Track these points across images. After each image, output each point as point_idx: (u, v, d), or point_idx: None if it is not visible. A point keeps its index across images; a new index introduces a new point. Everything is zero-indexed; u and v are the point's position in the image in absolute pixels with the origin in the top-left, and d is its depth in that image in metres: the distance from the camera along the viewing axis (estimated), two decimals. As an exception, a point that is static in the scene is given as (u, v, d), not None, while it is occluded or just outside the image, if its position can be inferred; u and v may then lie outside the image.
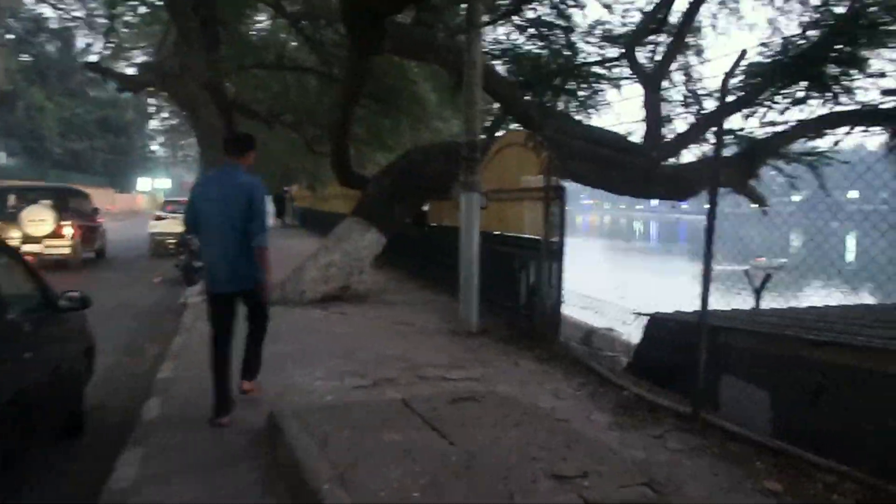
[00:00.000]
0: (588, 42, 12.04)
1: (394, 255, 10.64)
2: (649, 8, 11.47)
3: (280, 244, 17.58)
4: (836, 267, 5.55)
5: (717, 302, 5.95)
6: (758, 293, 7.73)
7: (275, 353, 5.70)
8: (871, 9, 8.84)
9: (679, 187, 10.68)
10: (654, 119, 10.51)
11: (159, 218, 18.18)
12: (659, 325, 6.05)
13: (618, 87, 12.14)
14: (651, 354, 6.11)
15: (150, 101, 34.54)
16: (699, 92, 11.40)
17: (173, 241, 15.51)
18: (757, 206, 10.90)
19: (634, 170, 9.59)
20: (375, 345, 6.10)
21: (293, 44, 17.43)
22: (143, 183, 64.05)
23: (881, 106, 9.14)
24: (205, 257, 4.27)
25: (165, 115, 37.05)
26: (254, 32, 17.19)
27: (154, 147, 66.96)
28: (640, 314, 6.19)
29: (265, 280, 4.29)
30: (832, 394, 4.23)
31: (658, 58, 11.38)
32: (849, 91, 9.24)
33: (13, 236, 12.03)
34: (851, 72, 9.16)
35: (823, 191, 10.06)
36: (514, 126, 10.86)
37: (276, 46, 16.02)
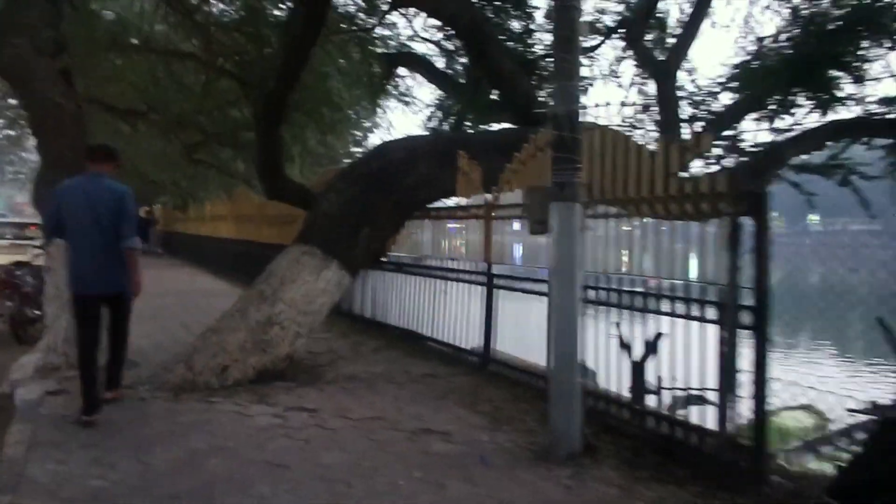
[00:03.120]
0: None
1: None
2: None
3: (159, 282, 13.48)
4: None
5: None
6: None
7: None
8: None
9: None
10: (671, 117, 8.35)
11: (-24, 246, 13.57)
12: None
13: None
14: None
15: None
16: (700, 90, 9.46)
17: (-2, 277, 11.33)
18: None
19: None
20: (422, 498, 3.10)
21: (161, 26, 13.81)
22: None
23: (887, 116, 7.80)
24: (72, 261, 4.41)
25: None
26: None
27: (-23, 163, 57.57)
28: (854, 411, 3.70)
29: (134, 282, 4.49)
30: None
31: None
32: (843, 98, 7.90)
33: None
34: (847, 76, 7.79)
35: (865, 209, 8.41)
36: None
37: (139, 25, 12.35)
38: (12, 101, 15.46)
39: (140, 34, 11.86)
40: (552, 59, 3.72)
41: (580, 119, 3.71)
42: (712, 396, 3.43)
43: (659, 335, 4.06)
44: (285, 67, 6.15)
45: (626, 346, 4.24)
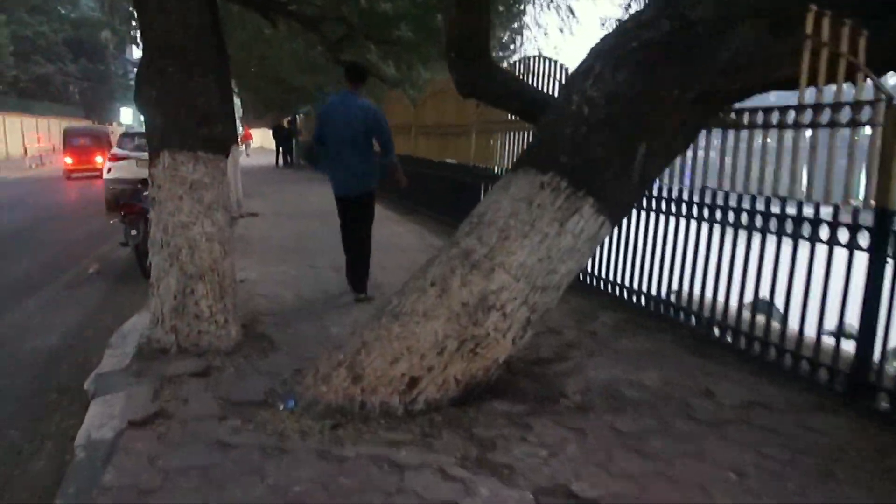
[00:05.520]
0: None
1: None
2: None
3: (302, 200, 11.87)
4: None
5: None
6: None
7: None
8: None
9: None
10: None
11: (116, 158, 12.52)
12: None
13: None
14: None
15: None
16: None
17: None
18: None
19: None
20: None
21: None
22: (126, 114, 57.43)
23: None
24: (331, 168, 5.14)
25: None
26: None
27: (138, 75, 60.30)
28: None
29: (398, 179, 5.31)
30: None
31: None
32: None
33: None
34: None
35: None
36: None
37: None
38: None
39: None
40: None
41: None
42: None
43: None
44: None
45: None
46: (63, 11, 48.52)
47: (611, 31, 3.52)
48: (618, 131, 3.26)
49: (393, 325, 3.14)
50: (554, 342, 4.13)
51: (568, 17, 12.70)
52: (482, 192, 7.93)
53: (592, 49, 3.47)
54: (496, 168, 7.67)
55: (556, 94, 5.79)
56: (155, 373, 3.39)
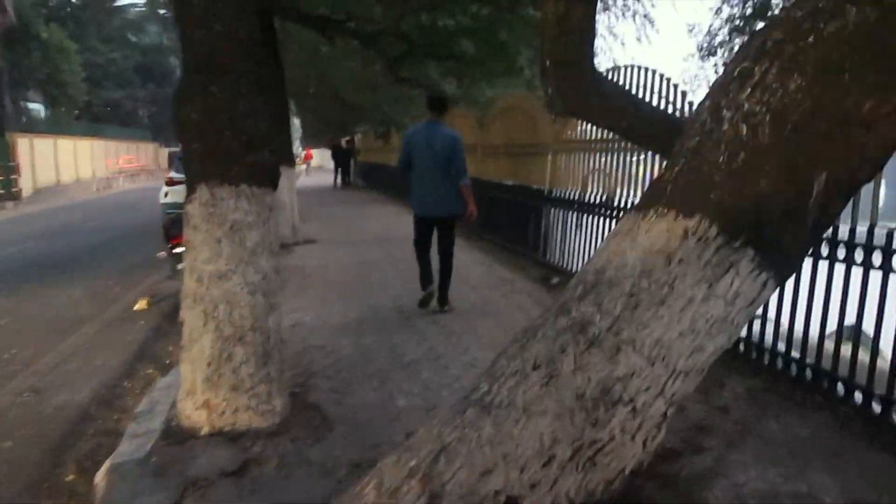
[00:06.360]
0: None
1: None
2: None
3: (360, 223, 11.30)
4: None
5: None
6: None
7: None
8: None
9: None
10: None
11: (172, 182, 12.18)
12: None
13: None
14: None
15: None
16: None
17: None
18: None
19: None
20: None
21: None
22: (192, 137, 58.64)
23: None
24: (414, 190, 5.50)
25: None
26: None
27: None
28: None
29: (462, 210, 5.39)
30: None
31: None
32: None
33: None
34: None
35: None
36: None
37: None
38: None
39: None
40: None
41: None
42: None
43: None
44: None
45: None
46: (133, 39, 50.37)
47: (772, 22, 2.66)
48: (788, 158, 2.38)
49: (483, 423, 2.34)
50: (678, 423, 3.24)
51: (644, 25, 11.72)
52: (560, 219, 7.07)
53: (746, 46, 2.60)
54: (581, 193, 6.82)
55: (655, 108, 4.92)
56: (178, 469, 2.68)
